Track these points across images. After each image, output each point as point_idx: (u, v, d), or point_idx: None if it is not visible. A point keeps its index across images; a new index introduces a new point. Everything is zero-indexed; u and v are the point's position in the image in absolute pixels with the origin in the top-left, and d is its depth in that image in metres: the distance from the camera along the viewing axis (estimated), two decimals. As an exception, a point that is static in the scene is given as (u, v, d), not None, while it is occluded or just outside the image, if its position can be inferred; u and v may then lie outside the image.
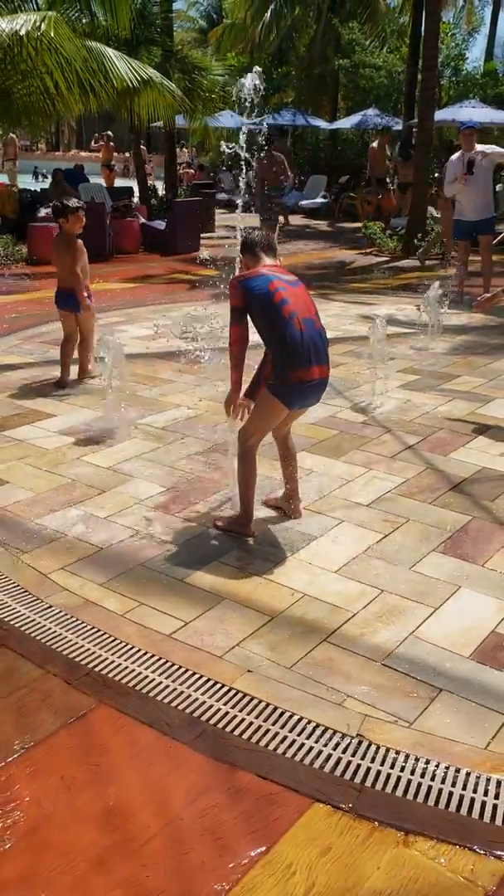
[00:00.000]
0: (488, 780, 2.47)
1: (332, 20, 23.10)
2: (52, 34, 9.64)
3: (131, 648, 3.04)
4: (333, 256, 14.72)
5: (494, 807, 2.38)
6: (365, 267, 13.46)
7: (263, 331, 3.74)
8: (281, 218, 14.83)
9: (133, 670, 2.91)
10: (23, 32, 9.55)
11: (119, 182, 21.25)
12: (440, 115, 16.28)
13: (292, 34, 25.03)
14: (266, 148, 12.26)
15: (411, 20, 19.68)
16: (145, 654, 3.01)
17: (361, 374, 6.82)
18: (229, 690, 2.82)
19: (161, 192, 17.72)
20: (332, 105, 25.34)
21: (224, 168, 24.26)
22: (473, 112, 16.65)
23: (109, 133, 23.30)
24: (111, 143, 22.86)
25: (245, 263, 3.90)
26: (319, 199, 21.25)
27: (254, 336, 3.81)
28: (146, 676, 2.88)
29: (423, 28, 14.99)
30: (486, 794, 2.42)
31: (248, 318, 3.76)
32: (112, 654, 3.00)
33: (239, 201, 5.34)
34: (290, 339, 3.63)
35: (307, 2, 24.24)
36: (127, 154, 29.41)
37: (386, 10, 24.72)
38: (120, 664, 2.94)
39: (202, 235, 14.72)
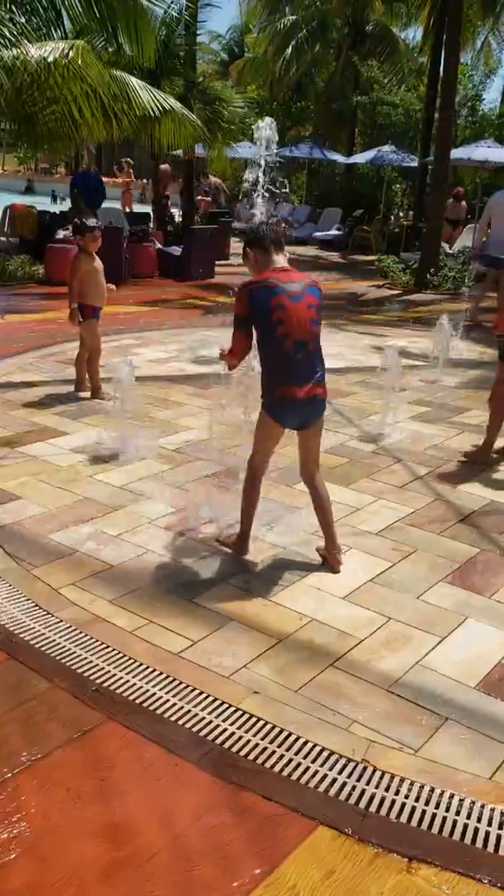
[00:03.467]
0: (493, 810, 2.47)
1: (352, 58, 23.53)
2: (80, 62, 9.84)
3: (140, 665, 3.06)
4: (346, 288, 14.85)
5: (499, 837, 2.38)
6: (377, 299, 13.58)
7: (259, 342, 3.76)
8: None
9: (141, 687, 2.93)
10: (51, 59, 9.75)
11: (136, 208, 21.54)
12: (455, 153, 16.49)
13: (312, 70, 25.45)
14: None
15: (430, 60, 20.01)
16: (153, 671, 3.03)
17: (372, 403, 6.86)
18: (236, 711, 2.83)
19: (178, 218, 17.93)
20: (350, 140, 25.71)
21: (241, 198, 24.52)
22: (489, 152, 16.87)
23: (130, 160, 23.68)
24: (131, 170, 23.24)
25: (254, 258, 3.81)
26: (333, 231, 21.47)
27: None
28: (154, 694, 2.90)
29: (441, 68, 15.26)
30: (490, 823, 2.42)
31: (252, 328, 3.75)
32: (120, 671, 3.02)
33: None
34: (277, 358, 3.67)
35: (328, 39, 24.68)
36: (145, 181, 29.81)
37: (405, 49, 25.12)
38: (128, 681, 2.96)
39: (217, 262, 14.88)
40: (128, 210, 19.70)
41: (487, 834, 2.39)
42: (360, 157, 22.19)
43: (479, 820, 2.43)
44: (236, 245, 17.41)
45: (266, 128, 4.85)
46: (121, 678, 2.98)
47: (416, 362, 8.65)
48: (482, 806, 2.49)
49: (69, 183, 16.76)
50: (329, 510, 3.95)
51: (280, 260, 3.82)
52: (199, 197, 22.63)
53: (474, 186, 20.60)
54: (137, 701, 2.86)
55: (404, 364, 8.62)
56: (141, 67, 13.28)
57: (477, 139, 19.62)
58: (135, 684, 2.94)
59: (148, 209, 18.57)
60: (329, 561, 3.95)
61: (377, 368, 6.99)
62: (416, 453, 5.73)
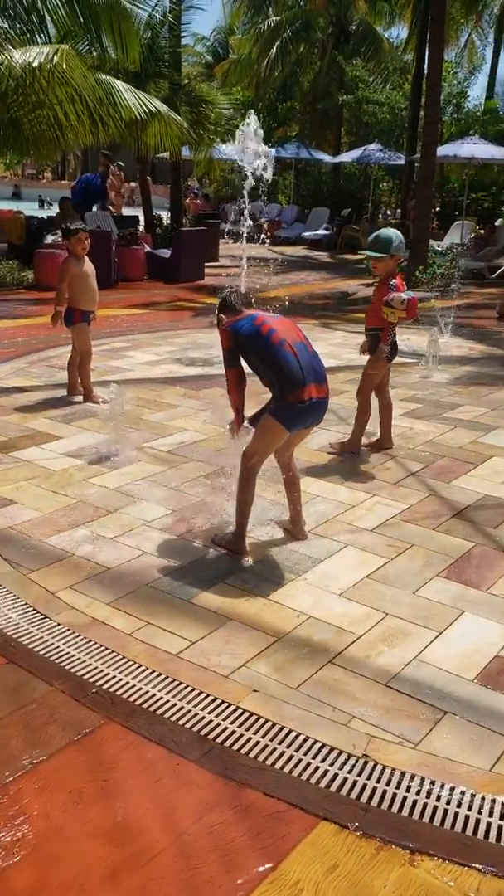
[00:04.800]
0: (493, 801, 2.49)
1: (337, 57, 23.58)
2: (65, 66, 9.83)
3: (139, 667, 3.06)
4: (336, 287, 14.88)
5: (500, 827, 2.39)
6: (367, 298, 13.55)
7: (257, 364, 3.87)
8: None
9: (141, 689, 2.93)
10: (35, 64, 9.74)
11: (124, 211, 21.52)
12: (442, 150, 16.55)
13: (297, 70, 25.48)
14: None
15: (415, 58, 20.08)
16: (153, 672, 3.03)
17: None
18: (236, 710, 2.84)
19: (166, 221, 17.94)
20: (336, 139, 25.77)
21: (228, 200, 24.58)
22: (475, 148, 16.95)
23: (120, 163, 23.67)
24: (120, 173, 23.22)
25: (227, 323, 3.96)
26: (322, 231, 21.51)
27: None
28: (154, 695, 2.90)
29: (426, 66, 15.30)
30: (490, 814, 2.44)
31: (242, 359, 3.92)
32: (120, 673, 3.02)
33: (243, 231, 5.47)
34: (283, 363, 3.75)
35: (312, 39, 24.73)
36: (133, 184, 29.79)
37: (389, 48, 25.18)
38: (128, 682, 2.96)
39: (206, 264, 14.89)
40: (116, 213, 19.67)
41: (489, 825, 2.40)
42: (347, 157, 22.25)
43: (479, 811, 2.45)
44: (225, 247, 17.45)
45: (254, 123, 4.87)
46: (120, 680, 2.98)
47: (408, 360, 8.67)
48: (482, 797, 2.50)
49: (75, 184, 16.84)
50: (300, 489, 4.25)
51: (248, 312, 4.01)
52: (188, 199, 22.66)
53: (461, 183, 20.68)
54: (137, 702, 2.86)
55: (396, 361, 8.66)
56: (126, 70, 13.29)
57: (463, 136, 19.71)
58: (134, 686, 2.95)
59: (137, 212, 18.57)
60: (295, 532, 4.21)
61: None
62: (410, 450, 5.75)
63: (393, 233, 5.25)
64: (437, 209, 22.90)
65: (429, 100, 14.61)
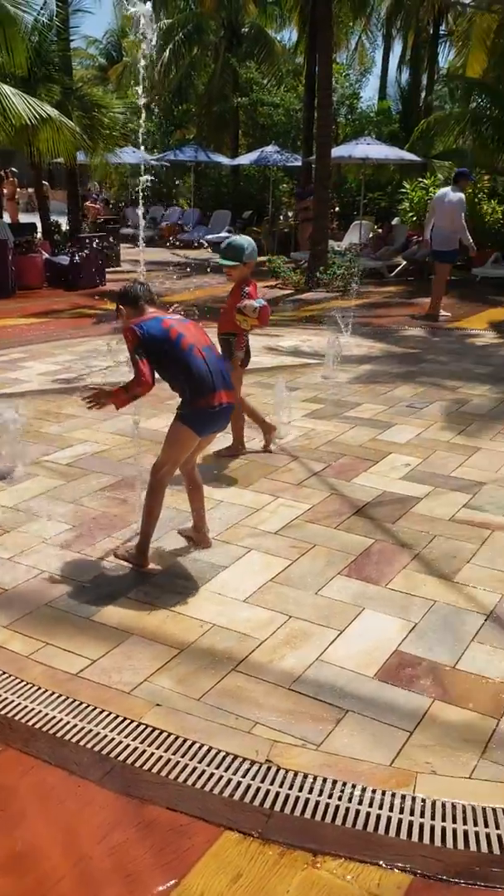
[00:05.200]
0: (393, 795, 2.54)
1: (230, 60, 23.67)
2: None
3: (37, 690, 3.00)
4: (239, 289, 14.91)
5: (399, 821, 2.45)
6: (270, 300, 13.68)
7: (165, 368, 3.80)
8: None
9: (40, 712, 2.88)
10: None
11: (21, 218, 21.07)
12: (337, 151, 16.81)
13: (191, 73, 25.48)
14: None
15: (306, 61, 20.34)
16: (52, 694, 2.97)
17: (268, 404, 6.92)
18: (138, 726, 2.82)
19: (65, 227, 17.64)
20: (234, 141, 25.84)
21: (127, 204, 24.44)
22: (369, 149, 17.25)
23: (14, 169, 23.17)
24: (14, 179, 22.74)
25: (128, 315, 3.89)
26: (224, 234, 21.54)
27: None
28: (53, 717, 2.85)
29: (317, 68, 15.53)
30: (391, 809, 2.49)
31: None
32: (17, 697, 2.95)
33: (142, 235, 5.44)
34: (194, 368, 3.73)
35: (205, 42, 24.76)
36: (30, 190, 29.23)
37: (281, 51, 25.43)
38: (26, 706, 2.90)
39: (108, 270, 14.72)
40: (12, 221, 19.23)
41: (389, 819, 2.46)
42: (245, 159, 22.35)
43: (380, 807, 2.50)
44: (127, 252, 17.30)
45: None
46: (18, 704, 2.91)
47: (310, 360, 8.79)
48: (383, 793, 2.55)
49: None
50: (203, 495, 4.21)
51: (151, 311, 3.94)
52: (88, 203, 22.35)
53: (358, 183, 21.05)
54: (37, 726, 2.80)
55: (298, 363, 8.78)
56: (14, 75, 13.00)
57: (357, 137, 20.07)
58: (33, 709, 2.89)
59: (34, 219, 18.19)
60: (199, 540, 4.19)
61: (273, 369, 7.06)
62: (311, 450, 5.83)
63: (245, 240, 5.29)
64: (337, 209, 23.29)
65: (321, 101, 14.83)
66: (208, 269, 13.51)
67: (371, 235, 17.88)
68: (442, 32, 25.00)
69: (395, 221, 18.33)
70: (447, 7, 21.75)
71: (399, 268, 16.21)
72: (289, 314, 12.18)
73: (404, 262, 16.12)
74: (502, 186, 19.02)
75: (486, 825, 2.44)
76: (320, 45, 14.95)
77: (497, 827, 2.43)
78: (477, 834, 2.41)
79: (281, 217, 22.46)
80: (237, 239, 5.30)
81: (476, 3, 11.24)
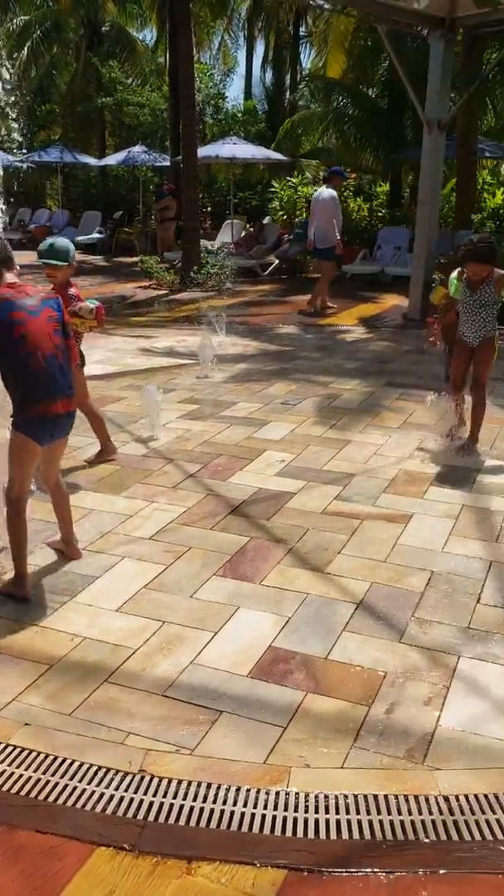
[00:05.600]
0: (267, 793, 2.56)
1: (92, 59, 23.32)
2: None
3: None
4: (112, 291, 14.72)
5: (274, 818, 2.47)
6: (145, 301, 13.59)
7: (4, 361, 3.62)
8: None
9: None
10: None
11: None
12: (204, 151, 16.86)
13: (53, 72, 24.95)
14: None
15: (168, 60, 20.29)
16: None
17: (142, 407, 6.85)
18: (6, 748, 2.72)
19: None
20: (101, 142, 25.50)
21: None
22: (235, 148, 17.39)
23: None
24: None
25: None
26: (95, 235, 21.23)
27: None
28: None
29: (179, 68, 15.49)
30: (265, 807, 2.51)
31: None
32: None
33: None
34: (30, 375, 3.59)
35: (64, 40, 24.29)
36: None
37: (144, 50, 25.26)
38: None
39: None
40: None
41: (263, 817, 2.47)
42: (112, 159, 22.09)
43: (254, 806, 2.51)
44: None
45: None
46: None
47: (185, 361, 8.77)
48: (257, 791, 2.57)
49: None
50: (69, 506, 4.13)
51: (10, 277, 3.72)
52: None
53: (228, 183, 21.18)
54: None
55: (173, 364, 8.74)
56: None
57: (224, 136, 20.18)
58: None
59: None
60: (69, 552, 4.11)
61: (148, 371, 7.00)
62: (187, 452, 5.81)
63: (66, 241, 5.17)
64: (209, 209, 23.37)
65: (184, 101, 14.81)
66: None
67: (243, 234, 18.02)
68: (302, 34, 25.52)
69: (266, 220, 18.54)
70: (305, 9, 22.17)
71: (272, 266, 16.41)
72: (163, 315, 12.13)
73: (277, 261, 16.32)
74: (368, 185, 19.61)
75: (359, 812, 2.49)
76: (181, 44, 14.92)
77: (368, 813, 2.49)
78: (349, 822, 2.46)
79: (152, 217, 22.35)
80: (60, 240, 5.12)
81: (332, 6, 11.49)
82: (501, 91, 12.52)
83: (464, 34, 11.68)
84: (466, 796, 2.55)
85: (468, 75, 12.07)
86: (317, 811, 2.49)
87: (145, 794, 2.54)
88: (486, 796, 2.56)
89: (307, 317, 11.81)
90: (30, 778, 2.59)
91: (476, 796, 2.55)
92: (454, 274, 5.78)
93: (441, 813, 2.49)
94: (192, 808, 2.49)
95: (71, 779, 2.59)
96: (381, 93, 17.14)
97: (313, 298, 12.15)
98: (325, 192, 11.84)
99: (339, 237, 11.77)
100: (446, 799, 2.54)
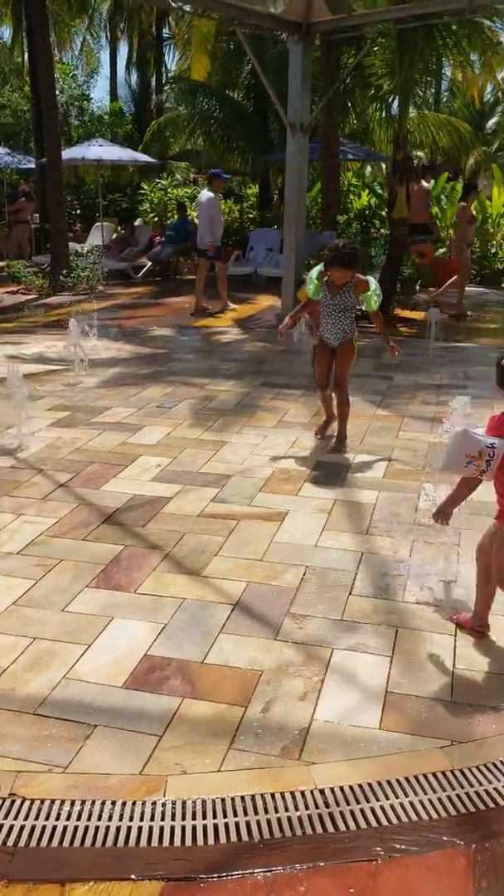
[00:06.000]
0: (143, 804, 2.52)
1: None
2: None
3: None
4: (-22, 298, 14.22)
5: (150, 829, 2.43)
6: (13, 306, 13.19)
7: None
8: None
9: None
10: None
11: None
12: (69, 153, 16.54)
13: None
14: None
15: (25, 60, 19.79)
16: None
17: (8, 415, 6.63)
18: None
19: None
20: (-39, 144, 24.60)
21: None
22: (102, 150, 17.16)
23: None
24: None
25: None
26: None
27: None
28: None
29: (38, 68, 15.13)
30: (141, 818, 2.47)
31: None
32: None
33: None
34: None
35: None
36: None
37: (1, 48, 24.55)
38: None
39: None
40: None
41: (140, 829, 2.43)
42: (-27, 162, 21.35)
43: (130, 818, 2.46)
44: None
45: None
46: None
47: (55, 367, 8.56)
48: (133, 804, 2.52)
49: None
50: None
51: None
52: None
53: (97, 185, 20.87)
54: None
55: (43, 370, 8.51)
56: None
57: (90, 138, 19.88)
58: None
59: None
60: None
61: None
62: (57, 460, 5.66)
63: None
64: (78, 212, 22.94)
65: (45, 102, 14.47)
66: None
67: (114, 237, 17.79)
68: (166, 35, 25.44)
69: (137, 222, 18.38)
70: (167, 11, 22.11)
71: (145, 269, 16.27)
72: (32, 319, 11.81)
73: (150, 263, 16.20)
74: (238, 187, 19.78)
75: (235, 814, 2.48)
76: (38, 43, 14.55)
77: (245, 814, 2.49)
78: (227, 825, 2.45)
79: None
80: None
81: (191, 8, 11.48)
82: (361, 94, 12.87)
83: (321, 39, 11.93)
84: (342, 788, 2.59)
85: (327, 79, 12.33)
86: (194, 818, 2.47)
87: (15, 818, 2.45)
88: (360, 786, 2.60)
89: (205, 316, 11.86)
90: None
91: (350, 787, 2.60)
92: (314, 273, 5.88)
93: (317, 807, 2.51)
94: (65, 828, 2.42)
95: None
96: (247, 95, 17.32)
97: (195, 300, 12.21)
98: (205, 194, 11.92)
99: (211, 239, 11.79)
100: (322, 792, 2.57)
